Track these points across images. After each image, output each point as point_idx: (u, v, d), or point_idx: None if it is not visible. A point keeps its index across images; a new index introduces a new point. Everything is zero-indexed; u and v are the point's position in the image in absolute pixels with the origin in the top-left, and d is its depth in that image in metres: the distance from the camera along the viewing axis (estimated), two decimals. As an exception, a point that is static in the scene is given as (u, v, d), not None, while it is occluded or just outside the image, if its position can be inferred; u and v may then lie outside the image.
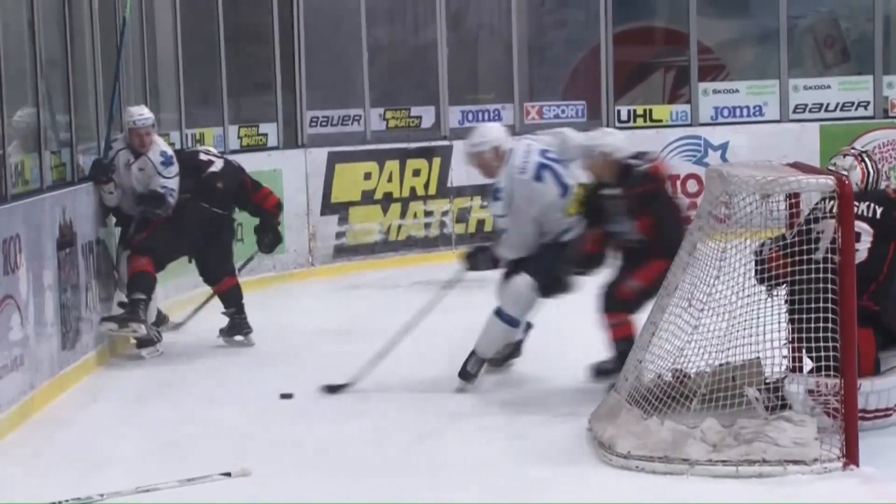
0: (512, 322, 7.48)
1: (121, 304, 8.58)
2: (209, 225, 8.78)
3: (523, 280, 7.41)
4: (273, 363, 8.40)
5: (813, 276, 6.01)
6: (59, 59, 8.27)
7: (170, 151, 8.73)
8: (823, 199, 6.26)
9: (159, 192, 8.55)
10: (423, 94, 12.69)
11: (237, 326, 8.93)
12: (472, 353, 7.55)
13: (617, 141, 7.44)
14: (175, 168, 8.62)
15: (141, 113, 8.68)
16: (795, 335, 6.18)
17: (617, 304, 7.14)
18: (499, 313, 7.50)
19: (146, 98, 9.83)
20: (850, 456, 5.83)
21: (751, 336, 6.14)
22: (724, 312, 6.15)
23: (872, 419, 6.27)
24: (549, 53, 13.80)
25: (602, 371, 7.23)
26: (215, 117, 11.15)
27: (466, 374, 7.52)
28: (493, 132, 7.61)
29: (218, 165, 8.97)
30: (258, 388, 7.73)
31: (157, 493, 5.80)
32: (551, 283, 7.47)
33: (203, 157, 9.07)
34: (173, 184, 8.58)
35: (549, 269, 7.42)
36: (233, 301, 8.94)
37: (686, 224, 7.03)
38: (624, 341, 7.01)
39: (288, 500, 5.77)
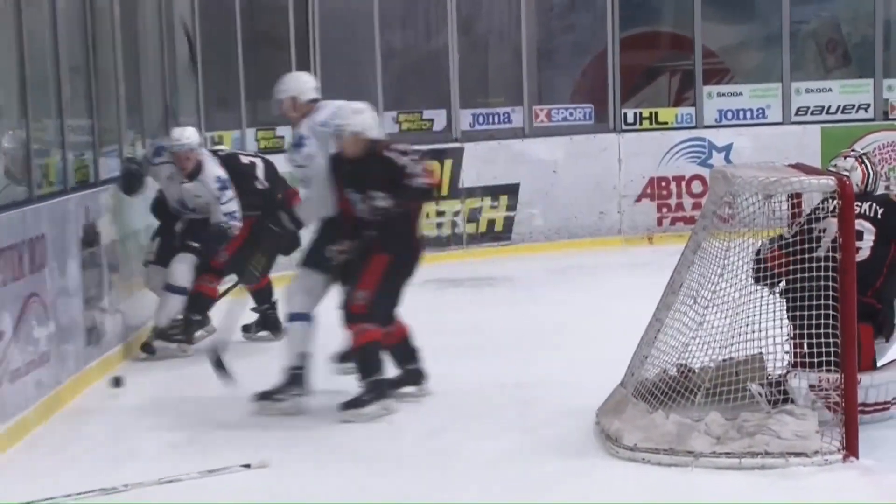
0: (300, 317, 7.21)
1: (175, 323, 8.57)
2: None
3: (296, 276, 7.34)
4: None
5: (814, 273, 6.02)
6: (82, 65, 8.32)
7: (223, 174, 8.55)
8: (825, 199, 6.28)
9: (222, 227, 8.48)
10: (435, 98, 12.68)
11: (269, 323, 8.90)
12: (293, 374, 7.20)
13: (367, 120, 7.35)
14: (230, 190, 8.51)
15: (178, 138, 8.52)
16: (797, 331, 6.20)
17: (353, 318, 6.84)
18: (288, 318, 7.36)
19: (165, 101, 9.87)
20: (851, 448, 5.84)
21: (753, 332, 6.14)
22: (728, 309, 6.15)
23: (872, 412, 6.29)
24: (558, 58, 13.79)
25: (342, 358, 7.22)
26: (234, 120, 11.18)
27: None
28: (293, 83, 7.67)
29: (260, 167, 8.91)
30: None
31: (179, 484, 5.84)
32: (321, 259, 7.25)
33: (243, 159, 9.00)
34: (233, 206, 8.50)
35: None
36: (266, 298, 8.90)
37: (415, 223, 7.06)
38: (363, 348, 6.85)
39: (304, 492, 5.79)
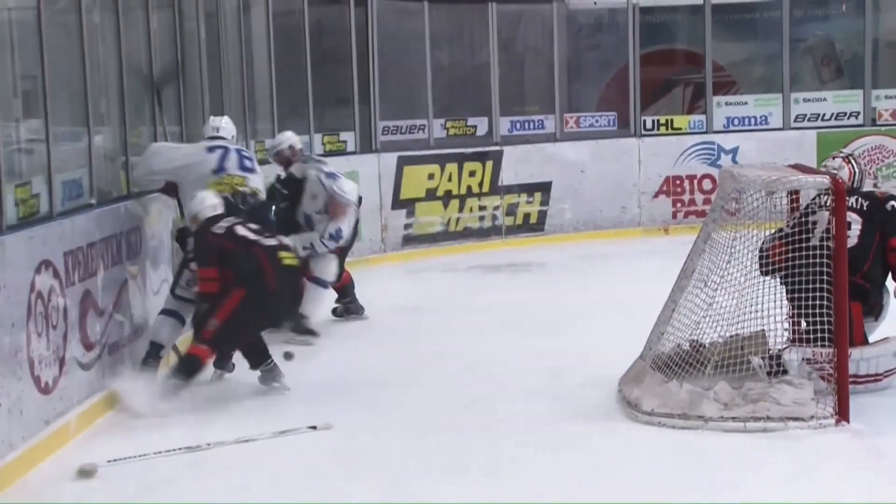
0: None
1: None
2: None
3: None
4: (355, 336, 8.35)
5: (810, 259, 5.97)
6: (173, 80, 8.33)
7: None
8: (818, 194, 6.23)
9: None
10: (478, 107, 12.64)
11: (352, 310, 8.78)
12: None
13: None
14: None
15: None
16: (795, 311, 6.15)
17: (202, 340, 6.58)
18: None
19: (244, 111, 9.87)
20: (843, 413, 5.80)
21: (756, 312, 6.09)
22: (734, 292, 6.12)
23: (864, 383, 6.22)
24: (585, 72, 13.70)
25: (146, 361, 6.86)
26: (303, 127, 11.13)
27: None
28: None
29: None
30: (342, 357, 7.75)
31: (255, 443, 5.85)
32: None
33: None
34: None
35: None
36: (349, 292, 8.80)
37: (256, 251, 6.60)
38: (193, 357, 6.55)
39: (363, 452, 5.78)
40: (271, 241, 6.66)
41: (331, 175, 8.23)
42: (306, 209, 8.25)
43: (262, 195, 7.42)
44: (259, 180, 7.36)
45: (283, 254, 6.62)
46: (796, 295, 6.06)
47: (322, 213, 8.20)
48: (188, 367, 6.57)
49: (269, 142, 8.54)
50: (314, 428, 6.05)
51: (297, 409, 6.47)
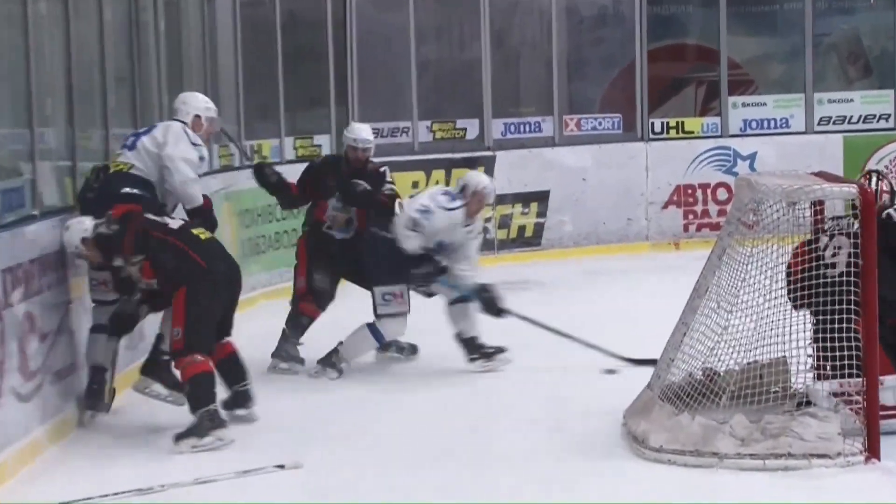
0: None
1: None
2: None
3: None
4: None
5: (835, 287, 5.94)
6: (127, 76, 8.28)
7: None
8: (835, 218, 6.20)
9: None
10: (468, 108, 12.65)
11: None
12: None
13: None
14: None
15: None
16: (819, 335, 6.10)
17: (176, 354, 6.54)
18: None
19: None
20: (873, 450, 5.76)
21: (777, 336, 6.04)
22: (753, 313, 6.09)
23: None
24: (587, 69, 13.73)
25: (90, 388, 6.82)
26: (273, 129, 11.14)
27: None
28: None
29: None
30: (316, 384, 7.72)
31: (215, 483, 5.78)
32: None
33: None
34: None
35: None
36: None
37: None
38: (192, 380, 6.48)
39: (338, 492, 5.73)
40: (176, 223, 6.79)
41: None
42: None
43: (129, 169, 7.17)
44: (134, 156, 7.17)
45: (194, 231, 6.78)
46: (820, 317, 6.02)
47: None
48: (201, 389, 6.47)
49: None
50: (282, 467, 5.98)
51: (263, 444, 6.40)
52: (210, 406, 6.46)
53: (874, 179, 6.58)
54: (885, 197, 6.51)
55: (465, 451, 6.27)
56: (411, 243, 7.76)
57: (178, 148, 7.10)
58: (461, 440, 6.44)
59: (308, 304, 8.15)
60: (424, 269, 7.86)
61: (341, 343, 7.86)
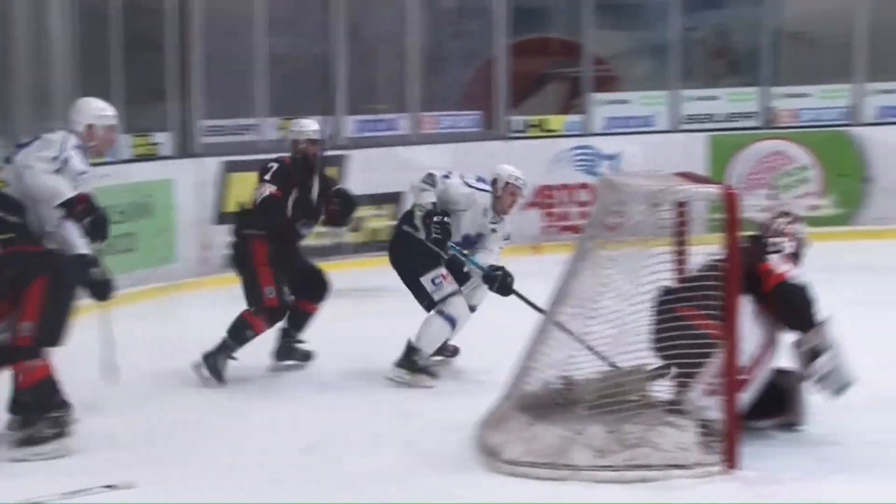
0: None
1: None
2: None
3: None
4: (168, 375, 8.11)
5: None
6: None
7: None
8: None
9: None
10: (320, 104, 12.58)
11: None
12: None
13: None
14: None
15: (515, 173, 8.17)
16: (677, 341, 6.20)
17: (17, 355, 6.39)
18: None
19: (35, 105, 9.69)
20: (731, 460, 5.89)
21: (638, 343, 6.17)
22: (613, 320, 6.17)
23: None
24: (446, 64, 13.77)
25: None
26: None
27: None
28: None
29: None
30: (150, 399, 7.60)
31: (43, 504, 5.70)
32: None
33: None
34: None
35: None
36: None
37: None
38: (36, 387, 6.39)
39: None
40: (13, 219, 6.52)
41: None
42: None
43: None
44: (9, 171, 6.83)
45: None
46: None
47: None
48: (40, 397, 6.35)
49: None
50: (112, 487, 5.91)
51: (91, 463, 6.30)
52: (57, 412, 6.38)
53: (785, 218, 6.72)
54: (783, 228, 6.60)
55: (310, 471, 6.22)
56: (425, 197, 7.85)
57: (39, 152, 6.62)
58: (304, 460, 6.39)
59: (263, 321, 7.99)
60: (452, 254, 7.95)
61: (411, 344, 7.81)
